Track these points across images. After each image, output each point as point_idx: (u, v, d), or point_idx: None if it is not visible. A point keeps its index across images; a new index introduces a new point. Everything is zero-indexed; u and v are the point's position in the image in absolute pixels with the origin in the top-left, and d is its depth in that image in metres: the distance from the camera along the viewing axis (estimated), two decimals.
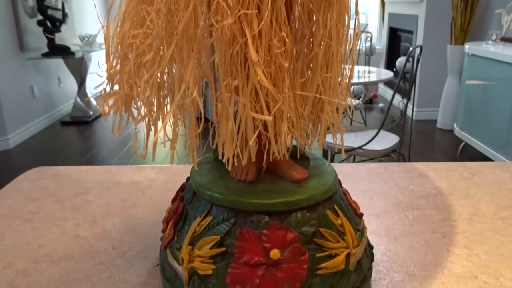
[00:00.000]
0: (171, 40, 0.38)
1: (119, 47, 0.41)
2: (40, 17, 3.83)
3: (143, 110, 0.42)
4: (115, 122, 0.43)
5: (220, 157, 0.44)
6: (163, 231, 0.50)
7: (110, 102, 0.42)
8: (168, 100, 0.43)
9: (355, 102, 3.23)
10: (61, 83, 4.44)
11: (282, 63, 0.38)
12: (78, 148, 3.53)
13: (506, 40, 3.14)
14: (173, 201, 0.52)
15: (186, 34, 0.37)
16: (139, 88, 0.41)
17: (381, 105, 4.53)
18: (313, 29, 0.42)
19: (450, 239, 0.58)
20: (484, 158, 3.08)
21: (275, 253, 0.41)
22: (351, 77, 0.46)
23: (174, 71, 0.41)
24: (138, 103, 0.42)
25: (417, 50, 2.39)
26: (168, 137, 0.42)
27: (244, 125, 0.40)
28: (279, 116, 0.41)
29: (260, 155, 0.45)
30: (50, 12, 3.84)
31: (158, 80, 0.42)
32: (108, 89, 0.42)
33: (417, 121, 3.99)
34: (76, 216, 0.66)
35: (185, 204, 0.48)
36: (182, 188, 0.52)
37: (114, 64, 0.42)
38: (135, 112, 0.43)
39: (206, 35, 0.39)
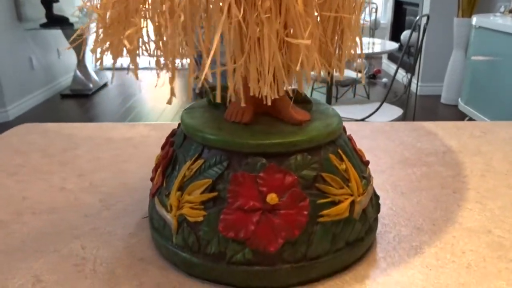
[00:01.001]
0: None
1: None
2: None
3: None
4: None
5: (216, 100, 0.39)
6: (152, 179, 0.47)
7: (127, 33, 0.37)
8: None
9: (358, 75, 3.16)
10: (60, 55, 4.37)
11: None
12: (79, 121, 3.49)
13: None
14: (163, 147, 0.48)
15: None
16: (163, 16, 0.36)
17: (384, 80, 4.46)
18: None
19: (461, 195, 0.54)
20: None
21: (272, 198, 0.37)
22: None
23: None
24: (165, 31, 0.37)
25: (424, 20, 2.32)
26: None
27: (275, 52, 0.36)
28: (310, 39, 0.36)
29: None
30: None
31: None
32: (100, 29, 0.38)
33: (421, 96, 3.92)
34: (63, 170, 0.62)
35: (175, 149, 0.44)
36: (173, 134, 0.48)
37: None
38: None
39: None
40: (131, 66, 0.41)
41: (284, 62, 0.38)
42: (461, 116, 3.30)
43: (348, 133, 0.47)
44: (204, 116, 0.45)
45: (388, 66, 4.87)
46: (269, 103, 0.38)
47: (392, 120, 2.28)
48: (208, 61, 0.34)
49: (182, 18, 0.35)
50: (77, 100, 4.01)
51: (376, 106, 2.24)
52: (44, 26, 3.79)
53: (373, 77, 4.59)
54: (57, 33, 4.18)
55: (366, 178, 0.43)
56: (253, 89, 0.37)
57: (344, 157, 0.41)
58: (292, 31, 0.36)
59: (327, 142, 0.41)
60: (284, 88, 0.39)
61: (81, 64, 4.18)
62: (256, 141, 0.39)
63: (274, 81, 0.37)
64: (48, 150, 0.69)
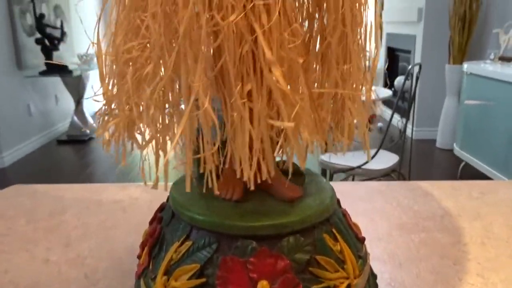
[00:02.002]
0: (172, 46, 0.33)
1: (114, 65, 0.36)
2: (38, 35, 3.82)
3: (148, 133, 0.37)
4: (118, 150, 0.37)
5: (202, 173, 0.38)
6: (139, 257, 0.45)
7: (111, 129, 0.36)
8: (175, 119, 0.37)
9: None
10: (58, 101, 4.41)
11: (296, 59, 0.33)
12: (75, 167, 3.47)
13: (504, 59, 3.12)
14: (151, 222, 0.46)
15: (188, 36, 0.32)
16: (141, 108, 0.36)
17: (379, 124, 4.49)
18: (323, 14, 0.37)
19: (461, 266, 0.52)
20: (485, 178, 3.02)
21: (263, 285, 0.35)
22: (376, 62, 0.40)
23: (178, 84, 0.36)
24: (142, 126, 0.37)
25: (416, 68, 2.36)
26: (179, 159, 0.36)
27: (259, 135, 0.35)
28: (297, 121, 0.35)
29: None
30: (48, 30, 3.84)
31: (162, 94, 0.36)
32: (106, 114, 0.37)
33: (417, 141, 3.95)
34: (49, 238, 0.60)
35: (162, 227, 0.42)
36: (162, 208, 0.46)
37: (110, 86, 0.37)
38: (139, 138, 0.38)
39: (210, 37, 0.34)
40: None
41: (274, 140, 0.37)
42: (457, 161, 3.30)
43: (343, 193, 0.46)
44: (193, 191, 0.43)
45: (383, 111, 4.93)
46: (252, 188, 0.36)
47: (388, 167, 2.27)
48: (190, 155, 0.33)
49: (152, 110, 0.34)
50: (74, 146, 4.01)
51: (372, 153, 2.24)
52: (43, 73, 3.85)
53: (368, 122, 4.63)
54: (56, 80, 4.24)
55: (363, 258, 0.41)
56: (238, 173, 0.36)
57: (338, 236, 0.40)
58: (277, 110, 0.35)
59: (321, 221, 0.39)
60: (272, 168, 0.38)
61: (78, 109, 4.21)
62: (246, 223, 0.37)
63: (264, 158, 0.36)
64: (35, 214, 0.67)
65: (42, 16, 3.78)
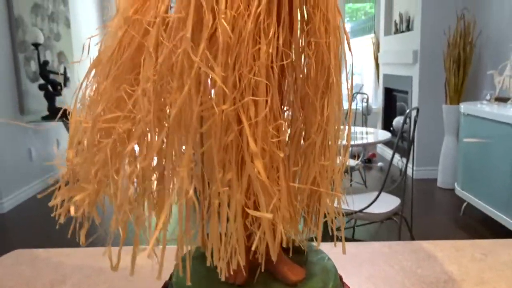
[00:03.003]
0: (160, 126, 0.34)
1: (86, 132, 0.37)
2: (42, 81, 3.89)
3: (121, 213, 0.37)
4: (81, 227, 0.38)
5: (208, 263, 0.39)
6: None
7: (75, 198, 0.37)
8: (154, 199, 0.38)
9: (354, 162, 3.20)
10: (60, 145, 4.43)
11: (278, 153, 0.34)
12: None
13: (500, 99, 3.17)
14: None
15: (179, 120, 0.33)
16: (116, 185, 0.36)
17: (380, 164, 4.50)
18: (307, 114, 0.38)
19: None
20: (488, 218, 3.00)
21: None
22: (345, 162, 0.42)
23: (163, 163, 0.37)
24: (114, 202, 0.37)
25: (414, 112, 2.40)
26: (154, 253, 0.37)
27: (235, 224, 0.35)
28: (274, 211, 0.36)
29: (250, 254, 0.40)
30: (52, 76, 3.92)
31: (142, 173, 0.37)
32: (66, 183, 0.38)
33: (417, 180, 3.94)
34: None
35: None
36: (165, 286, 0.46)
37: (75, 153, 0.38)
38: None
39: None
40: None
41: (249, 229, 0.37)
42: (459, 201, 3.28)
43: (347, 257, 0.45)
44: (197, 271, 0.43)
45: (383, 150, 4.95)
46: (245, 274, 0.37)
47: (390, 211, 2.26)
48: (178, 253, 0.34)
49: (131, 190, 0.35)
50: None
51: (373, 195, 2.23)
52: (45, 118, 3.89)
53: (368, 162, 4.64)
54: (57, 124, 4.28)
55: None
56: (208, 261, 0.37)
57: None
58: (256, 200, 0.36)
59: None
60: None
61: None
62: None
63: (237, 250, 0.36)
64: (35, 284, 0.67)
65: (46, 62, 3.87)
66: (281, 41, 0.34)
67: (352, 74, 0.41)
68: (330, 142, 0.38)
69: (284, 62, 0.35)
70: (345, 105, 0.41)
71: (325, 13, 0.37)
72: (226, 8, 0.31)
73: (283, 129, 0.36)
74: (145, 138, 0.35)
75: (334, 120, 0.38)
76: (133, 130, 0.35)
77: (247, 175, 0.34)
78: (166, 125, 0.34)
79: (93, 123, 0.36)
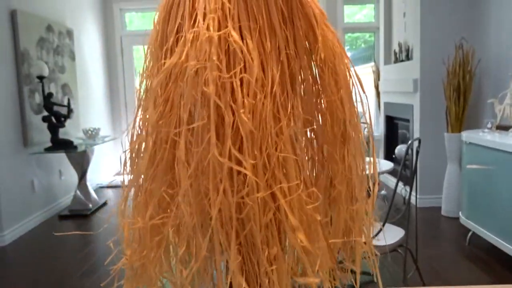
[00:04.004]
0: (204, 228, 0.35)
1: (139, 234, 0.38)
2: (45, 113, 3.93)
3: None
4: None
5: None
6: None
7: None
8: None
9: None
10: (62, 175, 4.44)
11: (315, 217, 0.35)
12: (75, 244, 3.42)
13: (501, 128, 3.18)
14: None
15: (220, 218, 0.34)
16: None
17: (383, 192, 4.48)
18: (330, 166, 0.40)
19: None
20: (494, 248, 2.96)
21: None
22: (374, 196, 0.42)
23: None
24: None
25: (416, 143, 2.40)
26: None
27: None
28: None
29: None
30: (55, 108, 3.96)
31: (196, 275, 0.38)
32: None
33: (421, 209, 3.92)
34: None
35: None
36: None
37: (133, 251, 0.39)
38: None
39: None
40: None
41: None
42: (464, 230, 3.25)
43: None
44: None
45: (386, 178, 4.94)
46: None
47: (395, 242, 2.23)
48: None
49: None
50: (75, 221, 3.98)
51: (377, 227, 2.21)
52: (48, 150, 3.92)
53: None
54: (60, 155, 4.30)
55: None
56: None
57: None
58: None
59: None
60: None
61: (81, 183, 4.24)
62: None
63: None
64: None
65: (50, 95, 3.92)
66: (300, 109, 0.36)
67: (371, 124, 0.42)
68: (355, 187, 0.40)
69: (307, 129, 0.36)
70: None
71: (333, 67, 0.38)
72: (243, 98, 0.33)
73: (319, 193, 0.37)
74: (193, 240, 0.36)
75: (356, 167, 0.40)
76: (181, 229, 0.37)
77: (291, 247, 0.35)
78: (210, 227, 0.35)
79: (144, 224, 0.38)
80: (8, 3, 3.65)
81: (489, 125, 3.28)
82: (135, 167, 0.39)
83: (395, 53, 4.66)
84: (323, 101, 0.39)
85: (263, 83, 0.35)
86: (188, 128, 0.35)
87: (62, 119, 4.01)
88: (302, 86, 0.37)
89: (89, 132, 4.39)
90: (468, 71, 3.63)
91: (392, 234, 2.31)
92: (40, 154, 3.95)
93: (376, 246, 2.18)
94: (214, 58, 0.35)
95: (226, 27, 0.36)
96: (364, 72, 6.38)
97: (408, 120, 4.34)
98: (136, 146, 0.40)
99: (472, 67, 3.65)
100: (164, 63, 0.38)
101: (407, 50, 4.34)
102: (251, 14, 0.37)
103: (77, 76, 4.82)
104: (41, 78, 3.82)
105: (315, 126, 0.40)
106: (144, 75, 0.42)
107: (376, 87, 5.49)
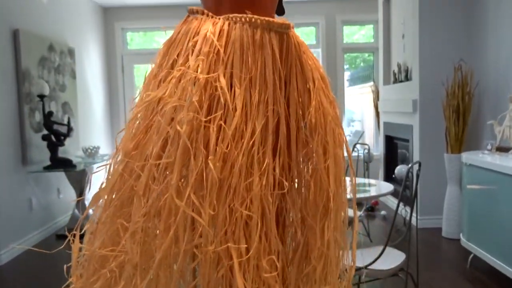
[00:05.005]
0: (147, 267, 0.34)
1: (87, 261, 0.38)
2: (45, 131, 3.93)
3: None
4: None
5: None
6: None
7: None
8: None
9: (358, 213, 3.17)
10: (61, 194, 4.42)
11: (274, 286, 0.34)
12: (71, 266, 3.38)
13: (501, 149, 3.18)
14: None
15: (165, 262, 0.33)
16: None
17: (383, 212, 4.46)
18: (308, 238, 0.39)
19: None
20: (495, 271, 2.93)
21: None
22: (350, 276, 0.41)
23: None
24: None
25: (416, 166, 2.40)
26: None
27: None
28: None
29: None
30: (55, 127, 3.96)
31: None
32: None
33: (421, 230, 3.88)
34: None
35: None
36: None
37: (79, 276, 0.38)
38: None
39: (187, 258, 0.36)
40: None
41: None
42: (465, 252, 3.22)
43: None
44: None
45: (386, 198, 4.91)
46: None
47: (396, 266, 2.21)
48: None
49: None
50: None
51: (378, 249, 2.19)
52: (47, 168, 3.90)
53: (371, 210, 4.60)
54: (59, 173, 4.28)
55: None
56: None
57: None
58: None
59: None
60: None
61: (80, 202, 4.21)
62: None
63: None
64: None
65: (50, 113, 3.92)
66: (277, 170, 0.35)
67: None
68: (331, 264, 0.38)
69: (282, 191, 0.36)
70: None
71: (323, 135, 0.37)
72: (216, 145, 0.32)
73: (280, 263, 0.35)
74: (132, 281, 0.35)
75: (335, 245, 0.39)
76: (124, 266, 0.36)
77: None
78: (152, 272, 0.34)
79: (92, 254, 0.37)
80: (10, 23, 3.68)
81: (489, 147, 3.28)
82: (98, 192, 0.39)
83: (394, 74, 4.69)
84: (309, 167, 0.39)
85: (242, 135, 0.34)
86: (154, 164, 0.34)
87: (62, 137, 4.00)
88: (286, 143, 0.36)
89: (89, 150, 4.38)
90: (467, 92, 3.65)
91: (392, 258, 2.29)
92: (39, 173, 3.93)
93: (377, 270, 2.16)
94: (195, 99, 0.35)
95: (217, 71, 0.36)
96: (363, 91, 6.41)
97: (407, 140, 4.34)
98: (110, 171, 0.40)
99: (471, 88, 3.67)
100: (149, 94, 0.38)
101: (406, 71, 4.36)
102: (245, 63, 0.37)
103: (77, 95, 4.83)
104: (41, 97, 3.83)
105: (293, 192, 0.39)
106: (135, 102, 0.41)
107: (376, 106, 5.51)
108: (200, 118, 0.35)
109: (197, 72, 0.39)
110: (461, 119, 3.64)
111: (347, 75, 6.25)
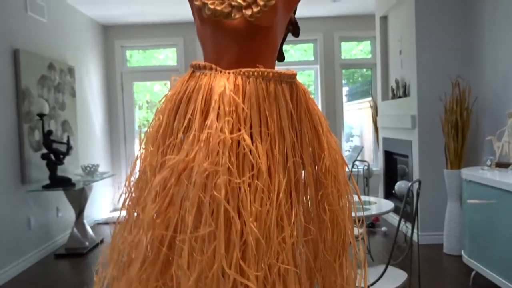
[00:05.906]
0: None
1: None
2: (44, 150, 3.92)
3: None
4: None
5: None
6: None
7: None
8: None
9: (357, 231, 3.15)
10: (59, 212, 4.39)
11: None
12: (70, 285, 3.35)
13: (501, 165, 3.18)
14: None
15: None
16: None
17: (384, 228, 4.43)
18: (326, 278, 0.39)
19: None
20: None
21: None
22: None
23: None
24: None
25: (416, 185, 2.39)
26: None
27: None
28: None
29: None
30: (55, 145, 3.96)
31: None
32: None
33: (423, 246, 3.85)
34: None
35: None
36: None
37: None
38: None
39: None
40: None
41: None
42: (467, 269, 3.19)
43: None
44: None
45: (387, 214, 4.89)
46: None
47: (397, 287, 2.19)
48: None
49: None
50: (71, 260, 3.90)
51: (379, 269, 2.18)
52: (46, 187, 3.88)
53: (372, 226, 4.57)
54: (58, 192, 4.26)
55: None
56: None
57: None
58: None
59: None
60: None
61: (79, 220, 4.18)
62: None
63: None
64: None
65: (50, 132, 3.92)
66: (302, 217, 0.35)
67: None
68: None
69: (308, 238, 0.36)
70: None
71: (336, 175, 0.38)
72: (250, 204, 0.32)
73: None
74: None
75: (353, 280, 0.39)
76: None
77: None
78: None
79: None
80: (11, 43, 3.71)
81: (488, 163, 3.28)
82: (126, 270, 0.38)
83: (392, 90, 4.72)
84: (326, 209, 0.39)
85: (269, 189, 0.34)
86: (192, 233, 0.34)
87: (61, 156, 4.00)
88: (305, 194, 0.36)
89: (88, 168, 4.37)
90: (465, 108, 3.66)
91: (394, 277, 2.27)
92: (38, 191, 3.91)
93: None
94: (227, 161, 0.35)
95: (238, 129, 0.37)
96: (362, 106, 6.43)
97: (407, 156, 4.34)
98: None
99: (469, 104, 3.68)
100: (169, 159, 0.38)
101: (404, 87, 4.39)
102: (263, 118, 0.37)
103: (77, 113, 4.84)
104: (41, 116, 3.84)
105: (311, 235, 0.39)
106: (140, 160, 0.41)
107: (374, 122, 5.52)
108: (234, 180, 0.35)
109: (223, 132, 0.39)
110: (460, 135, 3.65)
111: (345, 90, 6.28)
